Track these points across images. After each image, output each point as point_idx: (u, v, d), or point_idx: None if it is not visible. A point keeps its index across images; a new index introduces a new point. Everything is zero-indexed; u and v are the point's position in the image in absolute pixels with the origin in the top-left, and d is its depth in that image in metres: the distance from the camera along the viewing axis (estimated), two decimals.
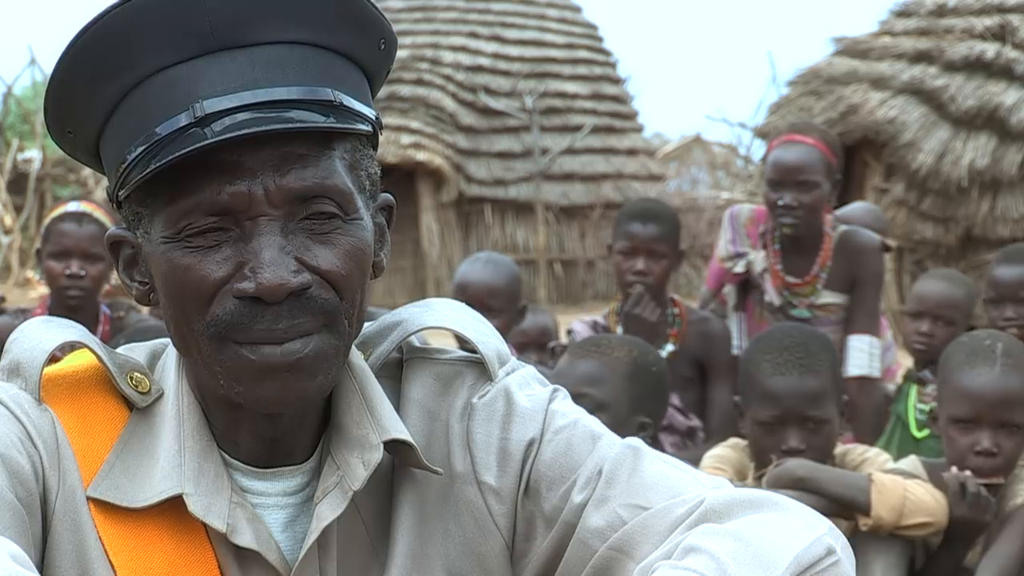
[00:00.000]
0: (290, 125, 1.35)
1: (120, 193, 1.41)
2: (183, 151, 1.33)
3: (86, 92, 1.40)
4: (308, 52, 1.40)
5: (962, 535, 3.33)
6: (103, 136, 1.42)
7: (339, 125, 1.38)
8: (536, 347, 5.21)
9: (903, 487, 3.26)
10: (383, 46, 1.47)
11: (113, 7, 1.37)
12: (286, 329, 1.37)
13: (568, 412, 1.52)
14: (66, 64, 1.40)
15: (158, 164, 1.34)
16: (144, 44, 1.37)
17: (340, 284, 1.39)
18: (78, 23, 1.40)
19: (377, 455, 1.44)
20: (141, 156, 1.36)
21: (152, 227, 1.40)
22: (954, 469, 3.29)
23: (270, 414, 1.43)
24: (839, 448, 3.53)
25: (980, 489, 3.27)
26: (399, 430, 1.46)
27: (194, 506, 1.40)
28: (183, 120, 1.35)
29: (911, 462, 3.49)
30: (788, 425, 3.40)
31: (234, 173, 1.36)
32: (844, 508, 3.25)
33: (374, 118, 1.44)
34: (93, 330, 4.25)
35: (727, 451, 3.57)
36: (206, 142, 1.33)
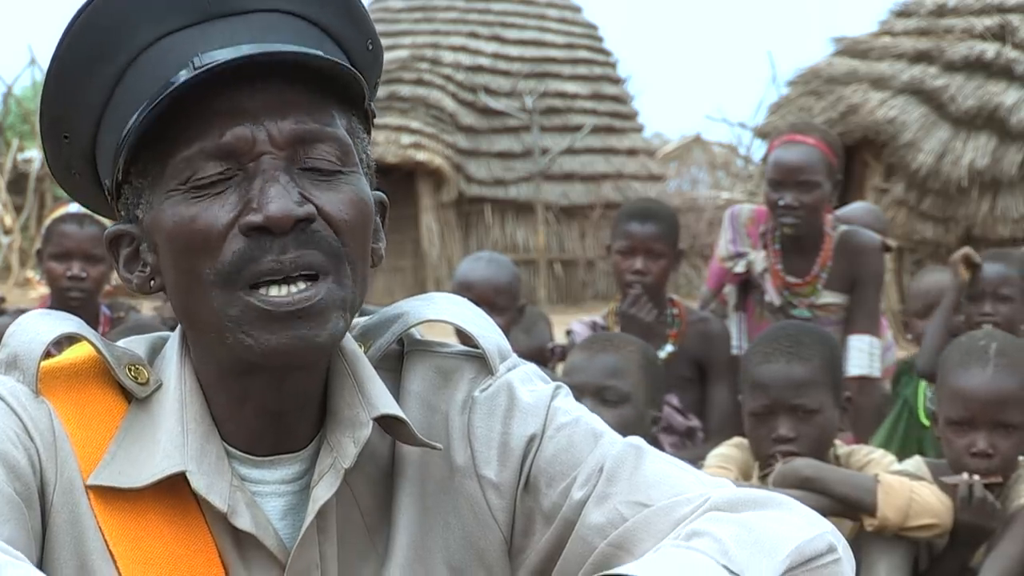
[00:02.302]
0: (289, 52, 1.37)
1: (119, 171, 1.41)
2: (181, 82, 1.34)
3: (85, 79, 1.41)
4: (302, 24, 1.43)
5: (967, 539, 3.34)
6: (101, 126, 1.43)
7: (341, 63, 1.40)
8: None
9: (909, 488, 3.27)
10: (371, 47, 1.49)
11: None
12: (294, 259, 1.37)
13: (570, 409, 1.52)
14: (61, 56, 1.41)
15: (156, 101, 1.35)
16: (139, 19, 1.39)
17: (342, 228, 1.40)
18: (67, 15, 1.41)
19: (366, 431, 1.44)
20: (144, 116, 1.37)
21: (154, 193, 1.41)
22: (964, 475, 3.30)
23: (278, 379, 1.43)
24: (844, 448, 3.54)
25: (987, 495, 3.28)
26: (388, 405, 1.46)
27: (197, 483, 1.41)
28: (182, 76, 1.36)
29: (916, 463, 3.50)
30: (777, 414, 3.41)
31: (235, 116, 1.37)
32: (850, 508, 3.26)
33: (357, 78, 1.45)
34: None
35: (731, 450, 3.58)
36: (205, 66, 1.34)
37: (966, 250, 4.70)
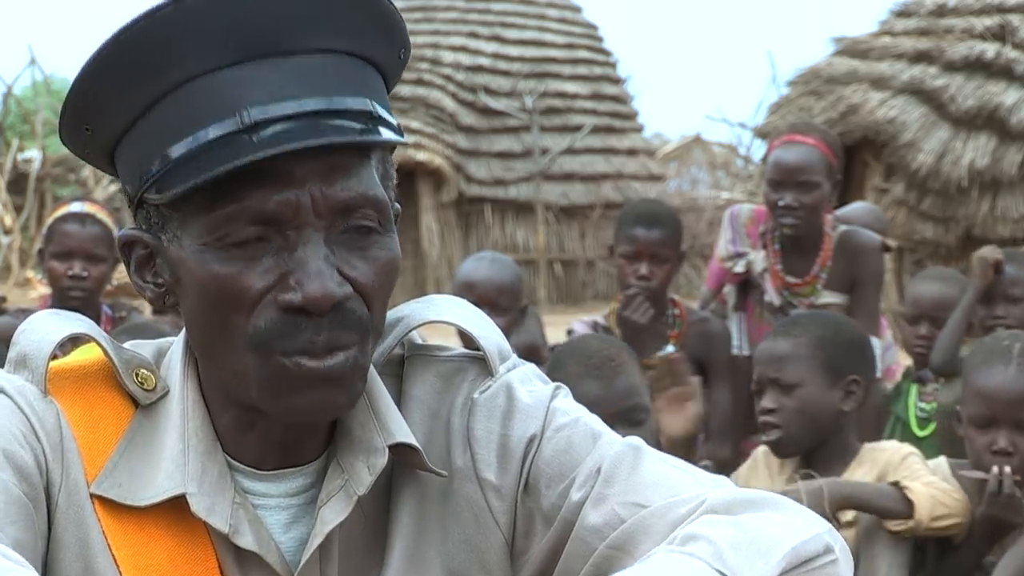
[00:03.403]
0: (345, 138, 1.36)
1: (150, 196, 1.40)
2: (238, 162, 1.33)
3: (121, 88, 1.39)
4: (346, 61, 1.40)
5: (988, 534, 3.38)
6: (128, 135, 1.41)
7: (384, 138, 1.39)
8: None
9: (929, 491, 3.34)
10: (403, 55, 1.48)
11: (162, 6, 1.36)
12: (327, 341, 1.37)
13: (570, 410, 1.52)
14: (104, 57, 1.38)
15: (211, 173, 1.33)
16: (190, 46, 1.36)
17: (372, 298, 1.40)
18: (120, 18, 1.39)
19: (382, 460, 1.44)
20: (185, 158, 1.36)
21: (184, 232, 1.39)
22: (995, 469, 3.34)
23: (289, 423, 1.44)
24: (867, 447, 3.59)
25: (1015, 490, 3.31)
26: (404, 434, 1.46)
27: (197, 506, 1.40)
28: (230, 127, 1.34)
29: (938, 463, 3.54)
30: (762, 389, 3.54)
31: (282, 182, 1.35)
32: (887, 516, 3.36)
33: (396, 126, 1.45)
34: None
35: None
36: (261, 154, 1.33)
37: (997, 254, 4.70)
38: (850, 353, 3.60)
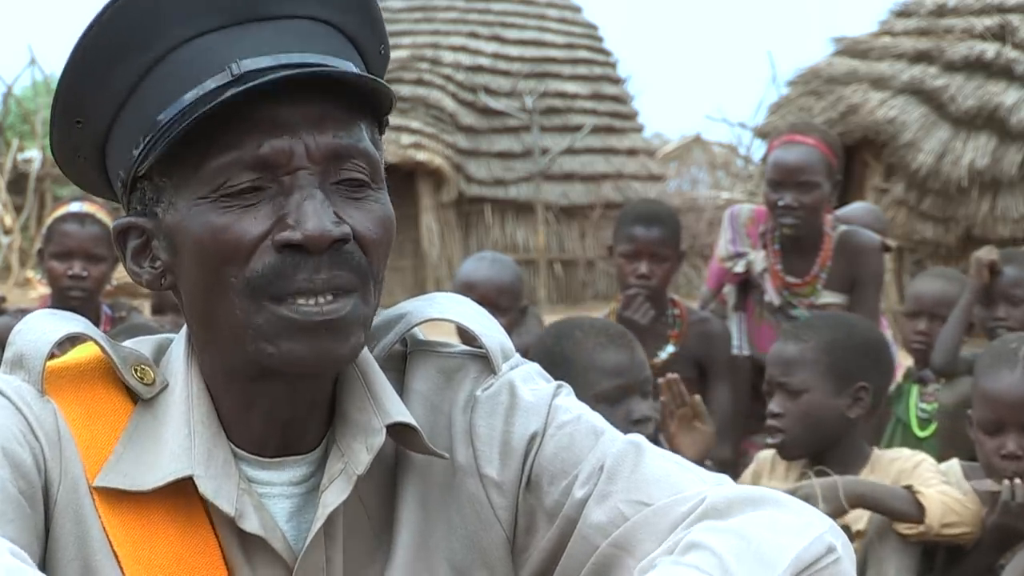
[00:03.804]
0: (326, 70, 1.38)
1: (143, 167, 1.41)
2: (226, 96, 1.34)
3: (109, 68, 1.40)
4: (331, 30, 1.43)
5: (999, 542, 3.38)
6: (119, 118, 1.42)
7: (380, 80, 1.41)
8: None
9: (941, 498, 3.34)
10: (383, 52, 1.50)
11: None
12: (326, 280, 1.38)
13: (571, 408, 1.52)
14: (89, 42, 1.40)
15: (202, 111, 1.34)
16: (174, 15, 1.38)
17: (370, 248, 1.41)
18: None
19: (380, 439, 1.45)
20: (176, 118, 1.37)
21: (178, 195, 1.40)
22: (1006, 482, 3.33)
23: (289, 386, 1.44)
24: (878, 452, 3.60)
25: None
26: (402, 413, 1.47)
27: (204, 487, 1.41)
28: (220, 80, 1.36)
29: (950, 465, 3.54)
30: (772, 391, 3.55)
31: (274, 128, 1.37)
32: (898, 519, 3.36)
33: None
34: None
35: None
36: (251, 84, 1.34)
37: (993, 255, 4.70)
38: (860, 359, 3.59)
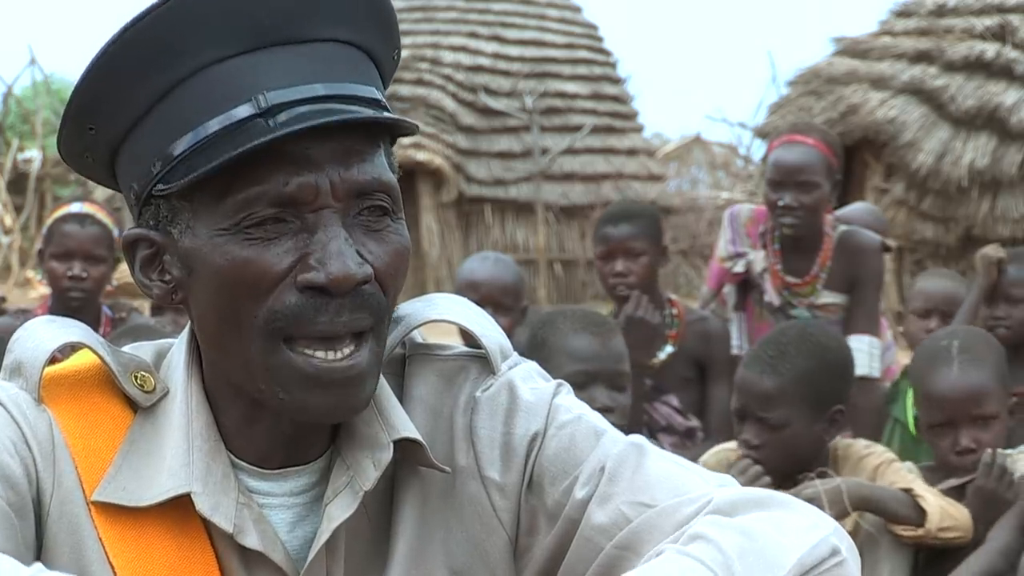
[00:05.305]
0: (359, 116, 1.37)
1: (161, 187, 1.39)
2: (259, 142, 1.33)
3: (130, 84, 1.38)
4: (352, 51, 1.42)
5: (982, 511, 3.37)
6: (135, 130, 1.40)
7: (401, 119, 1.40)
8: None
9: (939, 503, 3.36)
10: (395, 56, 1.49)
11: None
12: (347, 323, 1.37)
13: (572, 407, 1.52)
14: (112, 54, 1.38)
15: (233, 154, 1.33)
16: (200, 37, 1.36)
17: (388, 282, 1.41)
18: (121, 18, 1.38)
19: (387, 454, 1.44)
20: (201, 146, 1.35)
21: (197, 221, 1.39)
22: (987, 450, 3.36)
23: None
24: (844, 442, 3.58)
25: (1006, 464, 3.34)
26: (408, 428, 1.46)
27: (201, 505, 1.40)
28: (246, 111, 1.35)
29: (907, 467, 3.54)
30: (746, 419, 3.46)
31: (301, 164, 1.36)
32: (899, 522, 3.37)
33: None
34: (94, 331, 4.25)
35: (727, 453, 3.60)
36: (282, 132, 1.33)
37: (1000, 252, 4.70)
38: (836, 382, 3.54)
